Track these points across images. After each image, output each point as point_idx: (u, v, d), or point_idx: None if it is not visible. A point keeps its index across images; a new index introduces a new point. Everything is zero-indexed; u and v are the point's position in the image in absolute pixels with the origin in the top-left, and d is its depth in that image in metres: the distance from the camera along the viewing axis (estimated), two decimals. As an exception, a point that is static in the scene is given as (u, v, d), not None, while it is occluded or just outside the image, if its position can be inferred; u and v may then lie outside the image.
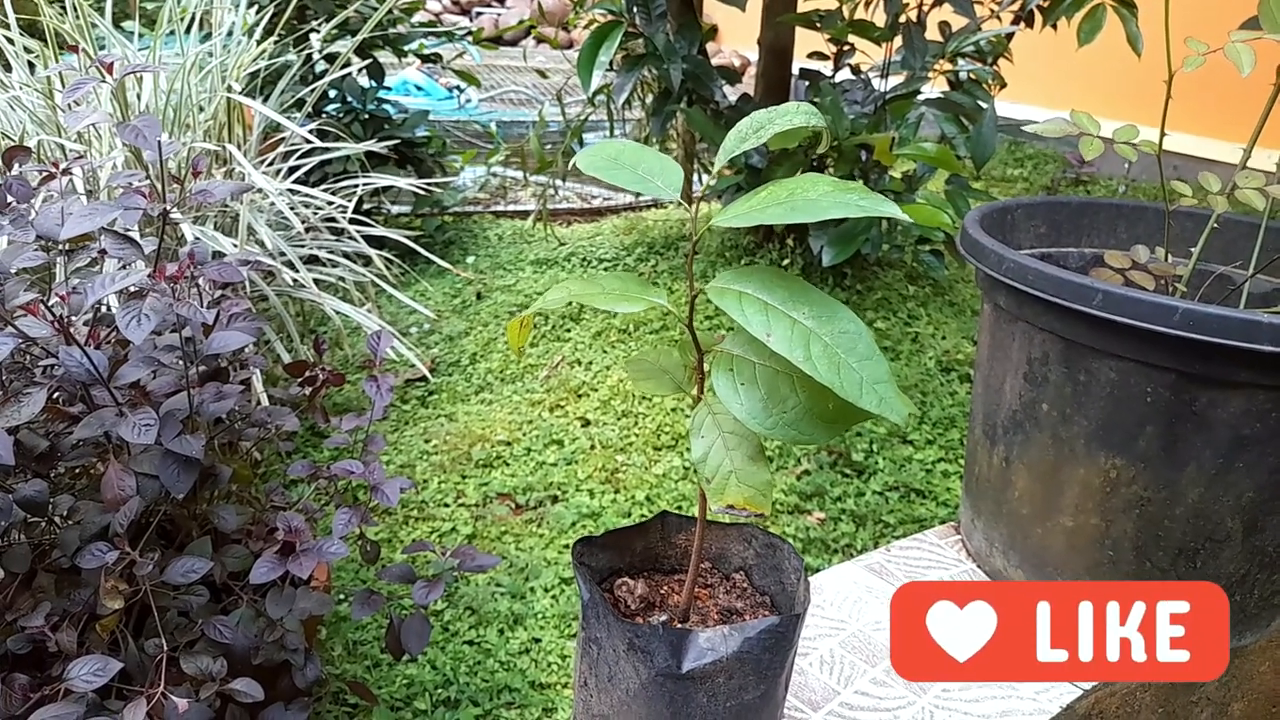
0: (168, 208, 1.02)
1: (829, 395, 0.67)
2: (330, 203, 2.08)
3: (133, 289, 1.02)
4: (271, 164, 2.22)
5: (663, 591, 0.94)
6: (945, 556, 1.32)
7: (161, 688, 0.99)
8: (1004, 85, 2.42)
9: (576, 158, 0.75)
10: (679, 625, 0.88)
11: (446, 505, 1.84)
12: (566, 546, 1.73)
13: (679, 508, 1.82)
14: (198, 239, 1.58)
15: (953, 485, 1.84)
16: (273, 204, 2.05)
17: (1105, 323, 0.96)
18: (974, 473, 1.27)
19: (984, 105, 2.27)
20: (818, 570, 1.44)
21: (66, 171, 1.16)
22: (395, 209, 3.12)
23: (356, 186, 2.38)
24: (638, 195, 4.23)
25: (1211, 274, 1.22)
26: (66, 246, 1.15)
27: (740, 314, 0.65)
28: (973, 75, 2.32)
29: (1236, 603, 1.09)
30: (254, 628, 1.15)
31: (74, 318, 1.08)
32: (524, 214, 3.54)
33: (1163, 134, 1.08)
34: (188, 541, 1.19)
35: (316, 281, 2.07)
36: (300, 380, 1.38)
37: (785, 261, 2.62)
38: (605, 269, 2.77)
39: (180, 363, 1.13)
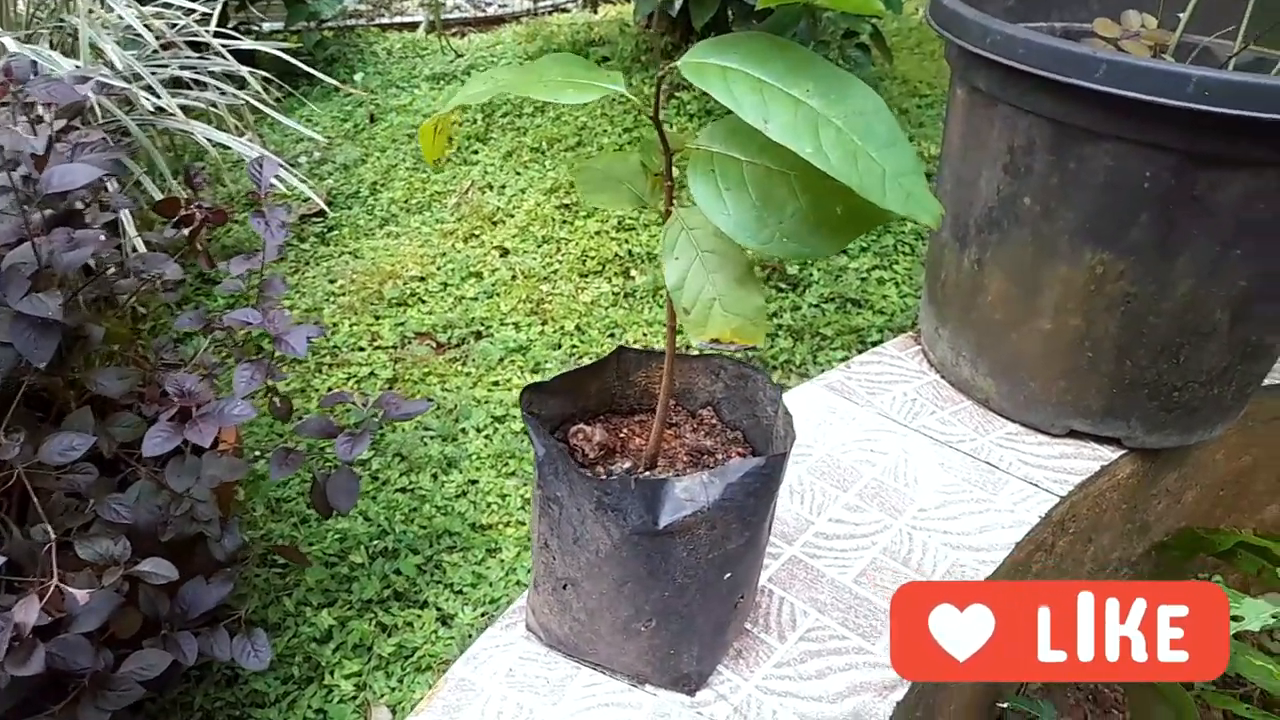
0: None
1: (839, 196, 0.54)
2: (189, 10, 1.79)
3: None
4: (110, -32, 1.89)
5: (623, 435, 0.83)
6: (907, 368, 1.25)
7: (55, 578, 0.86)
8: None
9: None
10: (647, 473, 0.78)
11: (361, 349, 1.69)
12: (496, 384, 1.62)
13: (612, 335, 1.71)
14: (17, 54, 1.32)
15: (889, 293, 1.76)
16: (120, 18, 1.75)
17: (1107, 99, 0.84)
18: (939, 278, 1.18)
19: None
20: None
21: None
22: (267, 26, 2.77)
23: (217, -8, 2.06)
24: (536, 0, 3.88)
25: (1194, 47, 1.11)
26: None
27: (729, 96, 0.50)
28: None
29: (1214, 396, 1.05)
30: (157, 502, 1.02)
31: None
32: (413, 26, 3.21)
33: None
34: (66, 412, 1.03)
35: (184, 109, 1.80)
36: (175, 220, 1.18)
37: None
38: (510, 81, 2.53)
39: (18, 208, 0.93)
